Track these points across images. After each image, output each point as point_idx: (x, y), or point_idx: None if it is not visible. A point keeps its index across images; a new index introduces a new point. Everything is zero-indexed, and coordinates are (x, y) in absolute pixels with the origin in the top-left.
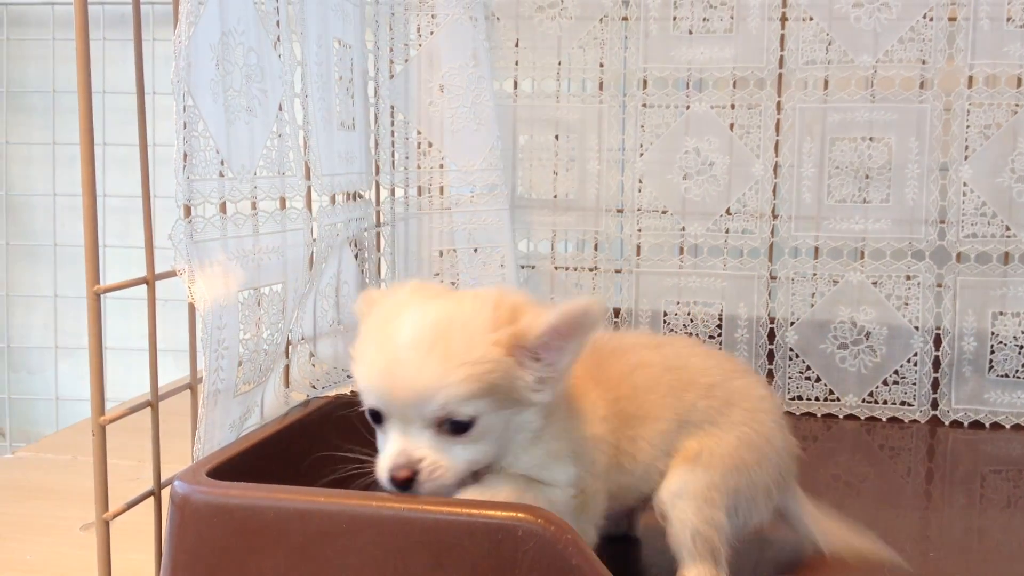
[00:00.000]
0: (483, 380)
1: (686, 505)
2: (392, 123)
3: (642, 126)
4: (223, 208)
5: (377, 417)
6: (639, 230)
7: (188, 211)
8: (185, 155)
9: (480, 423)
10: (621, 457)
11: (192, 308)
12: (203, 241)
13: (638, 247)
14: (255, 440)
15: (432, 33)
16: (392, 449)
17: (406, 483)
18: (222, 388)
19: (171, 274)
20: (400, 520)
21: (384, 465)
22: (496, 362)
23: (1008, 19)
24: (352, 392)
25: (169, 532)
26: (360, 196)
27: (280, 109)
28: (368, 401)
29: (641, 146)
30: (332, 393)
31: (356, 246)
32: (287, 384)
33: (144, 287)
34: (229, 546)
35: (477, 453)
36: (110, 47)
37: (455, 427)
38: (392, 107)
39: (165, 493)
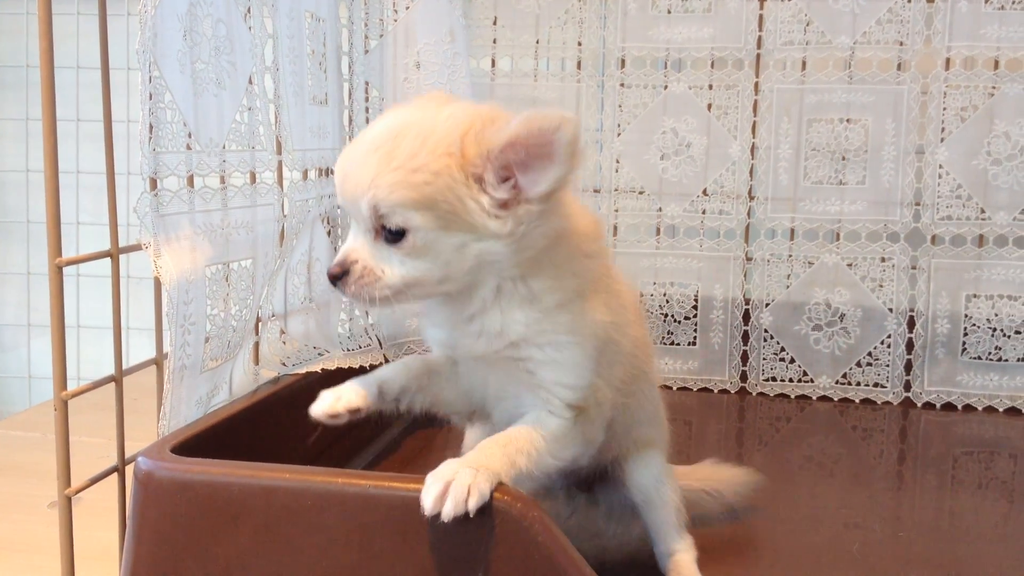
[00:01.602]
0: (418, 190)
1: (667, 488)
2: (367, 99)
3: (620, 106)
4: (190, 181)
5: None
6: (616, 210)
7: (154, 184)
8: (151, 127)
9: (415, 237)
10: (634, 388)
11: (158, 283)
12: (169, 215)
13: (615, 227)
14: (222, 416)
15: (408, 8)
16: (342, 247)
17: (335, 279)
18: (188, 364)
19: (136, 247)
20: (365, 497)
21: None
22: (436, 174)
23: (986, 1)
24: (322, 369)
25: (132, 509)
26: (332, 172)
27: (250, 82)
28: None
29: (619, 126)
30: (303, 370)
31: (328, 223)
32: (256, 361)
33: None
34: (193, 523)
35: (415, 270)
36: (84, 21)
37: (389, 235)
38: (366, 83)
39: (130, 470)
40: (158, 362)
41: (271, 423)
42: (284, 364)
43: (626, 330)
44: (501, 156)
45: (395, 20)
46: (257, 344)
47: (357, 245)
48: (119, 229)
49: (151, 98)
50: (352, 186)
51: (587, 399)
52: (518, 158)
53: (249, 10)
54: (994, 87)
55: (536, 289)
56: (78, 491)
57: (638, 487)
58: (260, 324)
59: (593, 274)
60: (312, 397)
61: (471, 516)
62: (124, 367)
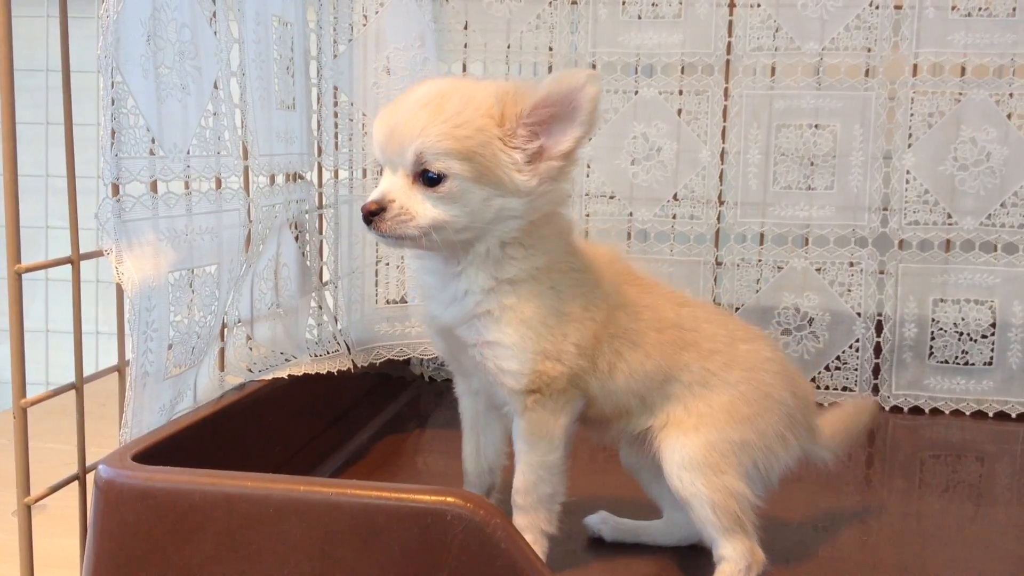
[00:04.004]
0: (460, 142)
1: (694, 477)
2: (335, 104)
3: None
4: (154, 187)
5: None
6: (587, 215)
7: (116, 189)
8: (113, 132)
9: (451, 183)
10: (599, 359)
11: (120, 289)
12: (132, 220)
13: (586, 232)
14: (185, 424)
15: (377, 13)
16: (376, 189)
17: (371, 215)
18: (151, 371)
19: (97, 254)
20: (328, 505)
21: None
22: (478, 130)
23: (953, 8)
24: (289, 376)
25: (93, 517)
26: (301, 177)
27: (215, 87)
28: (374, 152)
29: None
30: (269, 376)
31: (296, 228)
32: (222, 367)
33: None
34: (154, 531)
35: (445, 213)
36: (55, 24)
37: (428, 179)
38: (335, 88)
39: (92, 478)
40: (120, 369)
41: (236, 430)
42: (250, 370)
43: (584, 297)
44: (532, 115)
45: (364, 25)
46: (222, 350)
47: (394, 187)
48: (88, 234)
49: (113, 103)
50: (399, 136)
51: (535, 381)
52: (545, 117)
53: (215, 15)
54: (961, 93)
55: (505, 254)
56: (37, 499)
57: (666, 476)
58: (226, 330)
59: (562, 263)
60: (279, 403)
61: None
62: (95, 372)
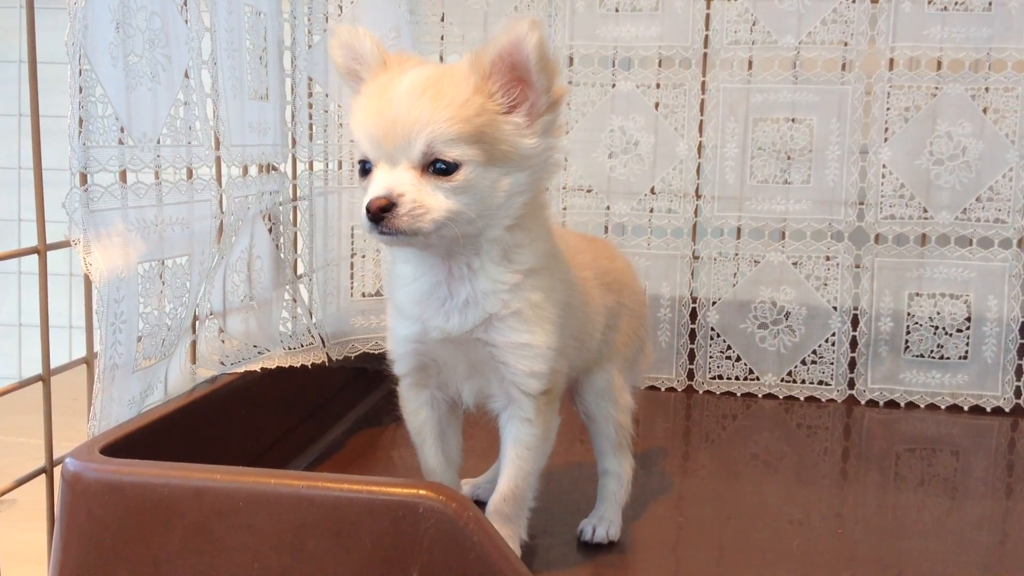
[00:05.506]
0: (470, 123)
1: (607, 402)
2: (310, 95)
3: (568, 104)
4: (123, 177)
5: (365, 171)
6: (564, 208)
7: (84, 179)
8: (81, 121)
9: (466, 171)
10: (586, 338)
11: (88, 280)
12: (100, 210)
13: (563, 225)
14: (155, 417)
15: (352, 3)
16: (376, 183)
17: (382, 212)
18: (120, 363)
19: (64, 244)
20: (298, 498)
21: (364, 200)
22: (480, 107)
23: (929, 2)
24: (262, 368)
25: (60, 511)
26: (274, 168)
27: (186, 76)
28: (361, 147)
29: (567, 124)
30: (242, 369)
31: (270, 220)
32: (193, 360)
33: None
34: (122, 525)
35: (459, 203)
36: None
37: (440, 169)
38: (310, 79)
39: (59, 471)
40: (88, 361)
41: (208, 424)
42: (223, 363)
43: (575, 285)
44: (500, 74)
45: (339, 15)
46: (194, 343)
47: (400, 180)
48: (58, 226)
49: (81, 91)
50: (403, 128)
51: (551, 380)
52: (511, 73)
53: (185, 3)
54: (937, 87)
55: (514, 242)
56: (3, 493)
57: (582, 401)
58: (197, 322)
59: (552, 238)
60: (251, 397)
61: None
62: (63, 364)
